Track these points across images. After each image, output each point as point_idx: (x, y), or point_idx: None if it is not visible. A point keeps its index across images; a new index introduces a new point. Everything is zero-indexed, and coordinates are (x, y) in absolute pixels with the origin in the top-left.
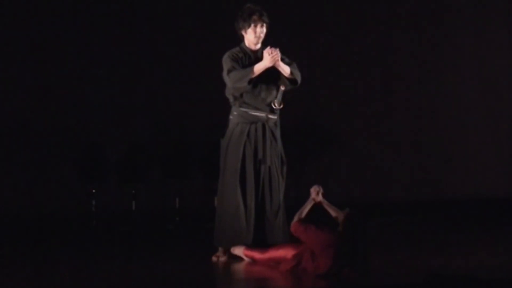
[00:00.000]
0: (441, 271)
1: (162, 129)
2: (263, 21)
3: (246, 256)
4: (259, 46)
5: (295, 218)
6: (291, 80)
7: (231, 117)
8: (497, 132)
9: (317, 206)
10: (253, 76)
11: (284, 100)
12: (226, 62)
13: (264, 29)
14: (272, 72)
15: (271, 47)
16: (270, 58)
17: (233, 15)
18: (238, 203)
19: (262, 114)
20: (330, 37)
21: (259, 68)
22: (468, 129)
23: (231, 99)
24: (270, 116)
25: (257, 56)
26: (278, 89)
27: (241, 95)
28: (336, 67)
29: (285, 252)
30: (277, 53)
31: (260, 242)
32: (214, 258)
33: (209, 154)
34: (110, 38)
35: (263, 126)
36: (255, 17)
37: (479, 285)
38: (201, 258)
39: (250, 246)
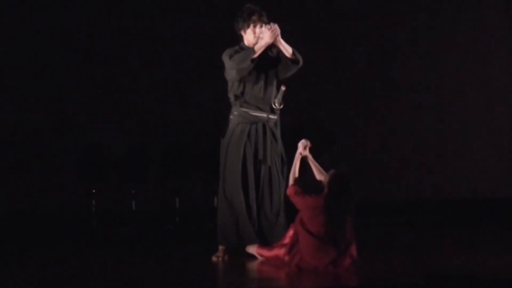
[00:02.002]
0: (441, 271)
1: (162, 129)
2: (263, 22)
3: (259, 254)
4: None
5: (290, 181)
6: (293, 60)
7: (231, 117)
8: (497, 132)
9: (303, 160)
10: (255, 55)
11: (284, 100)
12: (227, 54)
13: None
14: (272, 72)
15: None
16: (270, 33)
17: (233, 15)
18: (239, 203)
19: (263, 114)
20: (330, 37)
21: (260, 46)
22: (468, 129)
23: (232, 99)
24: (271, 116)
25: (258, 57)
26: (278, 89)
27: (242, 94)
28: (336, 67)
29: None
30: (277, 28)
31: (265, 241)
32: (214, 258)
33: (209, 154)
34: (110, 38)
35: (264, 126)
36: (254, 17)
37: (479, 285)
38: (201, 258)
39: (262, 245)
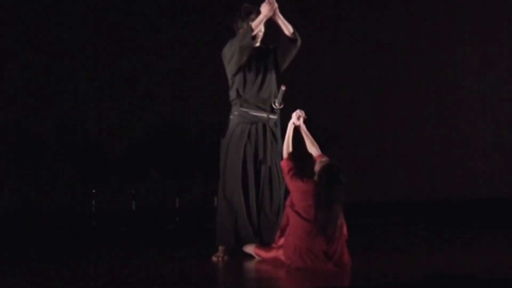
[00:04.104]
0: (441, 271)
1: (162, 129)
2: None
3: (256, 254)
4: (257, 45)
5: (284, 154)
6: (292, 39)
7: (231, 117)
8: (497, 132)
9: (296, 130)
10: (253, 33)
11: (284, 100)
12: (226, 45)
13: (263, 28)
14: (271, 69)
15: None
16: (268, 6)
17: (232, 15)
18: (239, 203)
19: (263, 114)
20: (330, 37)
21: (258, 20)
22: (468, 129)
23: (232, 97)
24: (271, 116)
25: (256, 53)
26: (279, 88)
27: (243, 91)
28: (336, 68)
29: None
30: (274, 1)
31: (264, 241)
32: (214, 258)
33: (209, 154)
34: (110, 38)
35: (264, 126)
36: (253, 16)
37: (479, 285)
38: (201, 258)
39: (260, 244)
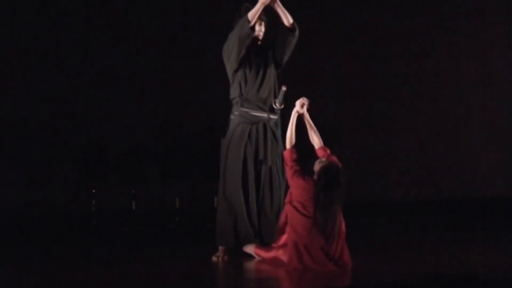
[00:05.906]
0: (441, 271)
1: (162, 129)
2: (262, 20)
3: (256, 254)
4: (258, 43)
5: (287, 145)
6: (290, 29)
7: (232, 117)
8: (497, 132)
9: (299, 118)
10: (251, 24)
11: (284, 100)
12: (226, 42)
13: (263, 28)
14: (272, 68)
15: None
16: None
17: (233, 15)
18: (239, 203)
19: (264, 114)
20: (331, 37)
21: (256, 9)
22: (468, 129)
23: (233, 95)
24: (272, 116)
25: (256, 51)
26: (279, 88)
27: (244, 88)
28: (337, 67)
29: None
30: None
31: (265, 241)
32: (214, 258)
33: (209, 154)
34: (110, 38)
35: (264, 126)
36: None
37: (479, 285)
38: (201, 258)
39: (260, 245)
